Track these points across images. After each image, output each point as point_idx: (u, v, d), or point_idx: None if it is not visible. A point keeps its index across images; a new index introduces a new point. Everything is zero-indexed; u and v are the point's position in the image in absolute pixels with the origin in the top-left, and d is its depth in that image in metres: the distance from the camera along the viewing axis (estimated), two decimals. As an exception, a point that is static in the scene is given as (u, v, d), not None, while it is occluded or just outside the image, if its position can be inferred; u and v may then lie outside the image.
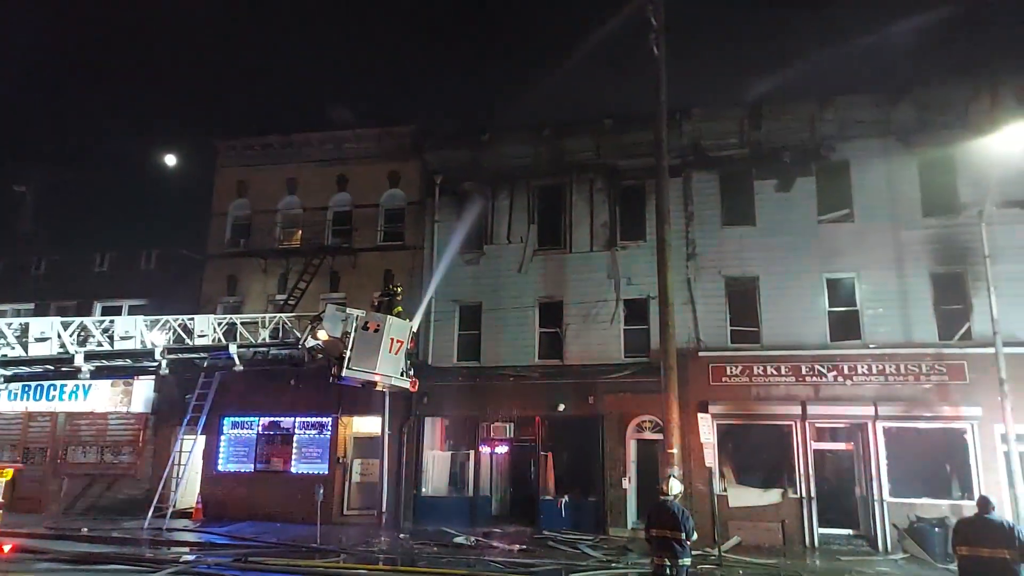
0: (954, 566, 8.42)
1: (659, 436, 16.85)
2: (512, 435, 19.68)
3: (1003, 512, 14.53)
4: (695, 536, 8.88)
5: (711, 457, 16.00)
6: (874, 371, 17.03)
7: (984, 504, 8.35)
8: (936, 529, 14.62)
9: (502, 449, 20.01)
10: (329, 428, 20.55)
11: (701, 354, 18.05)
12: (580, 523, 17.84)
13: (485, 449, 19.72)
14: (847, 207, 18.55)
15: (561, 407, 18.68)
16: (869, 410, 16.46)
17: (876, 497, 16.08)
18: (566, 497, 18.44)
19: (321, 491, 17.34)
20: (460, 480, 19.99)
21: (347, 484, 20.35)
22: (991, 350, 14.99)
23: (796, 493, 16.64)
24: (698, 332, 18.47)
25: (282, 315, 18.46)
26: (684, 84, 18.34)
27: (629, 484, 17.91)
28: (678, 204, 18.96)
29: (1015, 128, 14.87)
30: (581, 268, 19.94)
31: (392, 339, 15.21)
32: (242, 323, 17.77)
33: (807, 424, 16.95)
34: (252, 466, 20.87)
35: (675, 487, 9.17)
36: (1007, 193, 16.58)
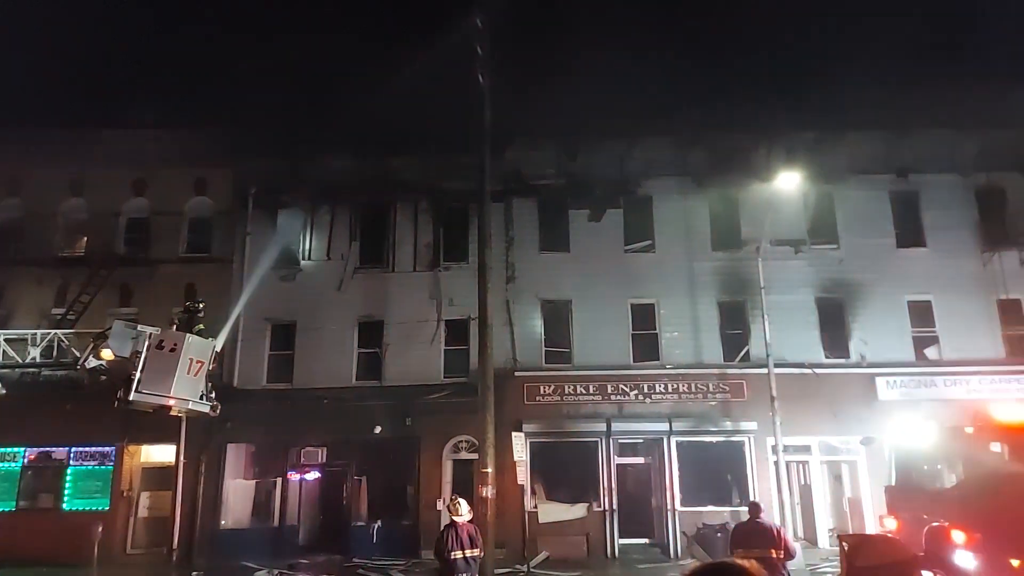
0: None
1: (475, 456, 17.01)
2: (325, 460, 18.87)
3: (773, 515, 16.44)
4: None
5: (523, 475, 16.44)
6: (670, 389, 18.56)
7: (755, 509, 9.25)
8: (718, 534, 16.13)
9: (313, 475, 19.10)
10: (112, 458, 18.35)
11: (517, 374, 18.59)
12: (393, 548, 17.46)
13: (295, 476, 18.71)
14: (649, 238, 20.16)
15: (378, 429, 18.25)
16: (664, 426, 17.89)
17: (669, 507, 17.44)
18: (379, 522, 17.98)
19: (100, 529, 15.39)
20: (266, 510, 18.75)
21: (132, 520, 18.29)
22: (765, 370, 16.95)
23: (600, 506, 17.59)
24: (515, 353, 19.02)
25: (58, 331, 16.29)
26: (509, 112, 19.06)
27: (443, 506, 17.87)
28: (500, 228, 19.47)
29: (785, 177, 17.18)
30: (404, 288, 19.77)
31: (191, 359, 13.87)
32: (6, 340, 15.42)
33: (611, 440, 18.04)
34: (14, 504, 18.06)
35: (464, 508, 8.91)
36: (779, 233, 18.98)
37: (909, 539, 10.03)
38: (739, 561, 2.06)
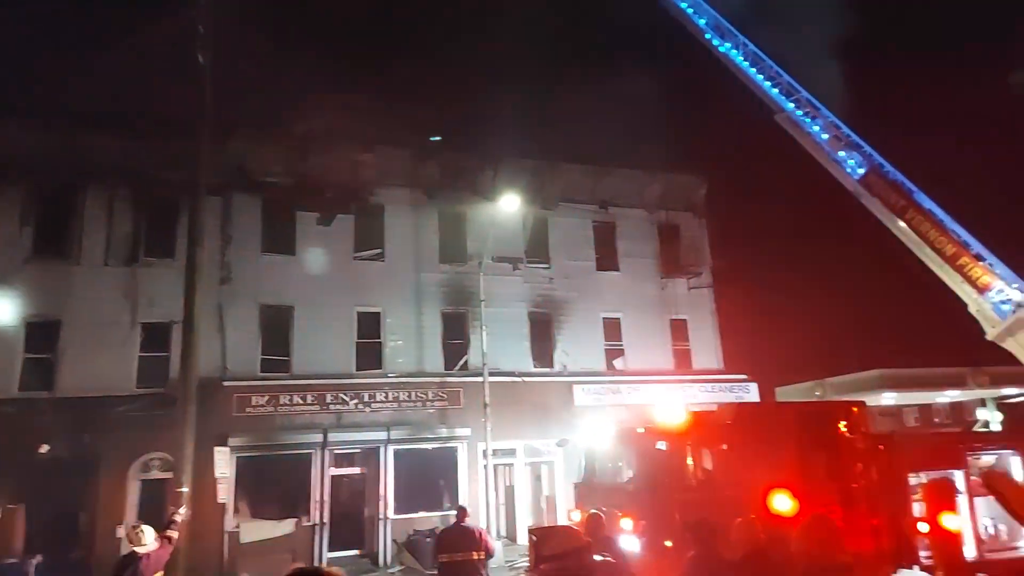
0: (442, 572, 9.42)
1: (170, 474, 15.27)
2: (-32, 488, 15.41)
3: (480, 516, 17.30)
4: None
5: (225, 492, 15.20)
6: (390, 398, 18.63)
7: (461, 513, 9.56)
8: (428, 540, 16.46)
9: (-49, 507, 15.51)
10: None
11: (226, 384, 17.18)
12: (59, 587, 14.87)
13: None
14: (380, 247, 20.13)
15: (45, 448, 15.47)
16: (383, 434, 17.89)
17: (382, 516, 17.44)
18: (39, 557, 15.16)
19: None
20: None
21: None
22: (481, 379, 17.85)
23: (310, 520, 16.94)
24: (225, 361, 17.57)
25: None
26: (235, 102, 17.74)
27: (123, 533, 15.72)
28: (215, 225, 17.87)
29: (507, 199, 18.36)
30: (92, 284, 17.19)
31: None
32: None
33: (327, 451, 17.52)
34: None
35: (148, 536, 7.87)
36: (500, 250, 20.24)
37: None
38: (327, 569, 2.23)
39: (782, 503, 9.35)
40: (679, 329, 22.59)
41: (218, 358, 17.36)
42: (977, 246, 14.97)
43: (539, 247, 21.74)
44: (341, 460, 18.20)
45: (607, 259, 22.46)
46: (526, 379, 19.78)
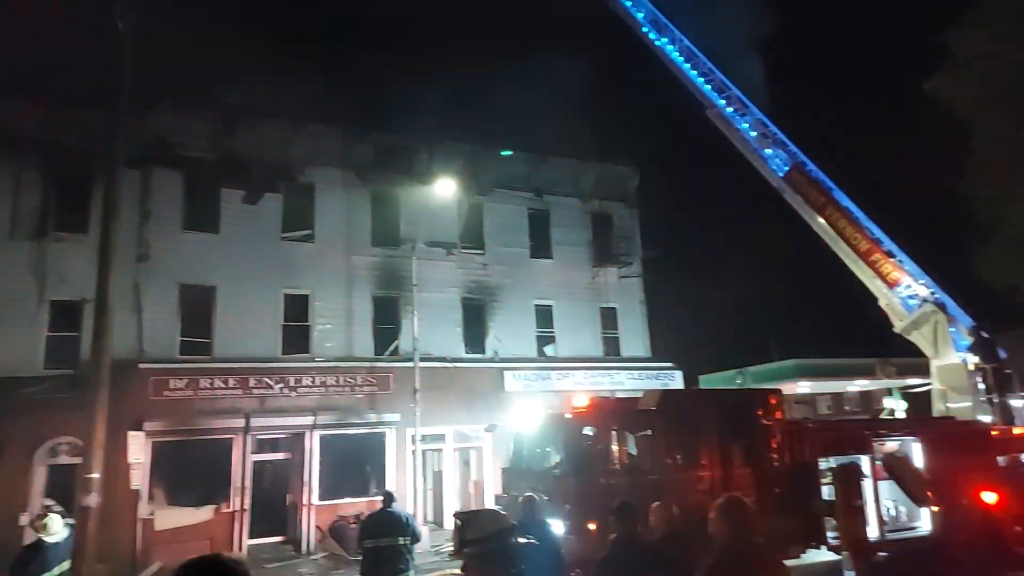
0: (365, 558, 9.31)
1: (79, 460, 14.53)
2: None
3: (410, 501, 17.23)
4: None
5: (140, 479, 14.60)
6: (317, 383, 18.24)
7: (388, 499, 9.45)
8: (352, 526, 16.27)
9: None
10: None
11: (143, 366, 16.44)
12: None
13: None
14: (309, 228, 19.62)
15: (-64, 433, 14.48)
16: (309, 419, 17.51)
17: (306, 502, 17.11)
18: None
19: None
20: None
21: None
22: (411, 364, 17.70)
23: (230, 507, 16.46)
24: (142, 342, 16.81)
25: None
26: (157, 70, 16.83)
27: (27, 522, 14.91)
28: (133, 199, 17.02)
29: (443, 183, 18.19)
30: (-6, 259, 16.06)
31: None
32: None
33: (249, 436, 17.04)
34: None
35: (55, 525, 7.50)
36: (434, 234, 20.04)
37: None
38: (228, 556, 2.11)
39: (702, 486, 9.65)
40: (609, 317, 22.98)
41: (134, 339, 16.60)
42: (889, 243, 15.75)
43: (473, 233, 21.66)
44: (264, 446, 17.74)
45: (541, 247, 22.59)
46: (457, 365, 19.73)
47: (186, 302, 17.79)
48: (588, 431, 11.28)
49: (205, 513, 16.09)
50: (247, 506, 16.53)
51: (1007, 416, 13.75)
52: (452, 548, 11.73)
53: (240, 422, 16.85)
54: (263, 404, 17.46)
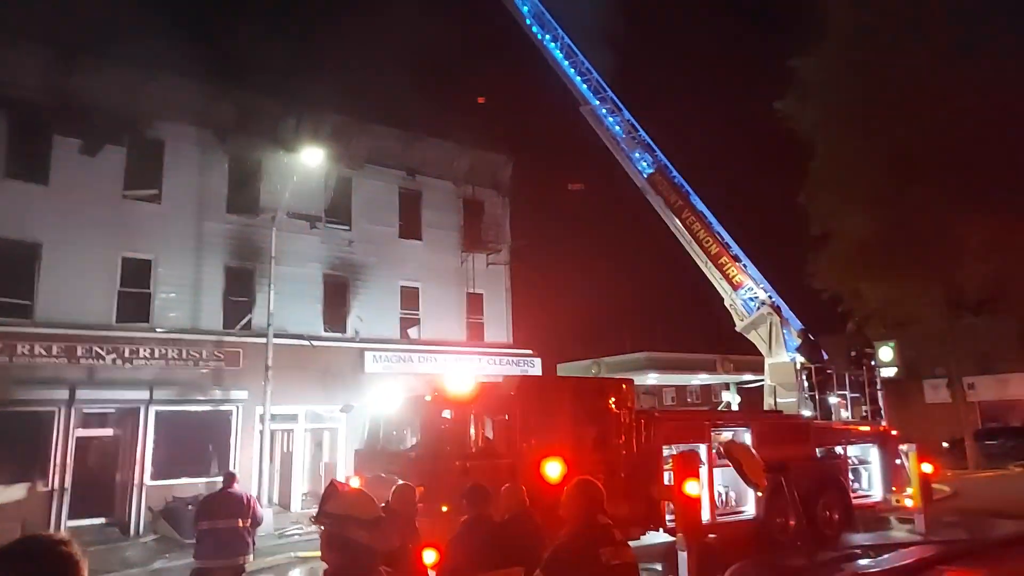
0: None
1: None
2: None
3: (254, 482, 16.41)
4: None
5: (-65, 455, 12.80)
6: (156, 355, 16.86)
7: (229, 479, 8.91)
8: (189, 507, 15.18)
9: None
10: None
11: (-55, 327, 14.41)
12: None
13: None
14: (156, 187, 18.06)
15: None
16: (144, 394, 16.16)
17: (137, 482, 15.82)
18: None
19: None
20: None
21: None
22: (264, 340, 16.79)
23: (48, 486, 14.87)
24: (-55, 300, 14.72)
25: None
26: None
27: None
28: (-58, 137, 14.85)
29: (310, 153, 17.33)
30: None
31: None
32: None
33: (74, 410, 15.46)
34: None
35: None
36: (297, 205, 19.06)
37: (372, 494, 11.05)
38: (45, 534, 1.94)
39: (553, 470, 9.90)
40: (475, 303, 23.06)
41: (-65, 297, 14.50)
42: (736, 248, 17.00)
43: (340, 207, 20.88)
44: (91, 420, 16.15)
45: (410, 227, 22.21)
46: (315, 343, 19.00)
47: (3, 258, 15.78)
48: (446, 414, 11.23)
49: (17, 491, 14.45)
50: (68, 485, 14.99)
51: (825, 412, 15.30)
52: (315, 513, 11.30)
53: (64, 394, 15.20)
54: (92, 375, 15.87)
